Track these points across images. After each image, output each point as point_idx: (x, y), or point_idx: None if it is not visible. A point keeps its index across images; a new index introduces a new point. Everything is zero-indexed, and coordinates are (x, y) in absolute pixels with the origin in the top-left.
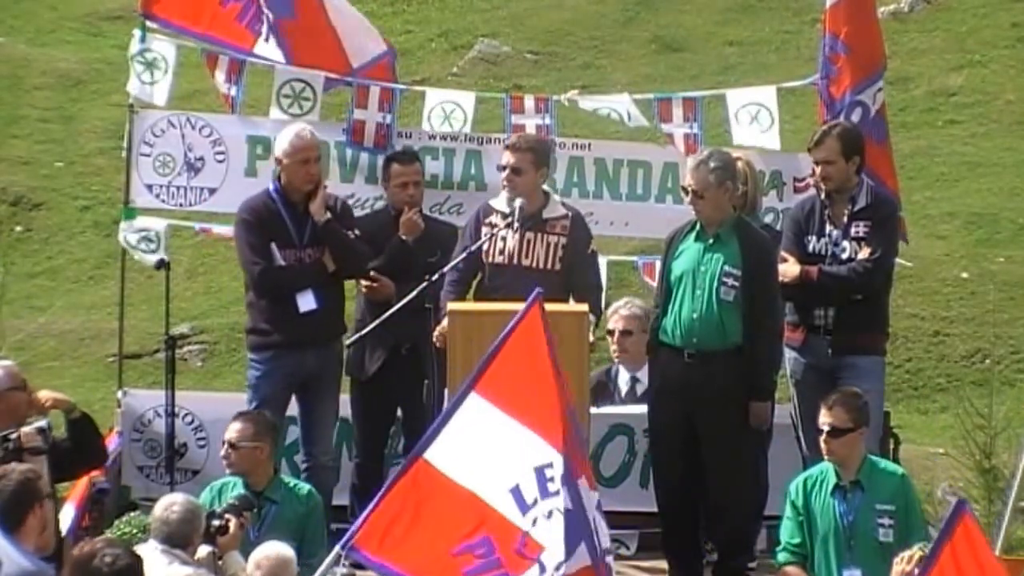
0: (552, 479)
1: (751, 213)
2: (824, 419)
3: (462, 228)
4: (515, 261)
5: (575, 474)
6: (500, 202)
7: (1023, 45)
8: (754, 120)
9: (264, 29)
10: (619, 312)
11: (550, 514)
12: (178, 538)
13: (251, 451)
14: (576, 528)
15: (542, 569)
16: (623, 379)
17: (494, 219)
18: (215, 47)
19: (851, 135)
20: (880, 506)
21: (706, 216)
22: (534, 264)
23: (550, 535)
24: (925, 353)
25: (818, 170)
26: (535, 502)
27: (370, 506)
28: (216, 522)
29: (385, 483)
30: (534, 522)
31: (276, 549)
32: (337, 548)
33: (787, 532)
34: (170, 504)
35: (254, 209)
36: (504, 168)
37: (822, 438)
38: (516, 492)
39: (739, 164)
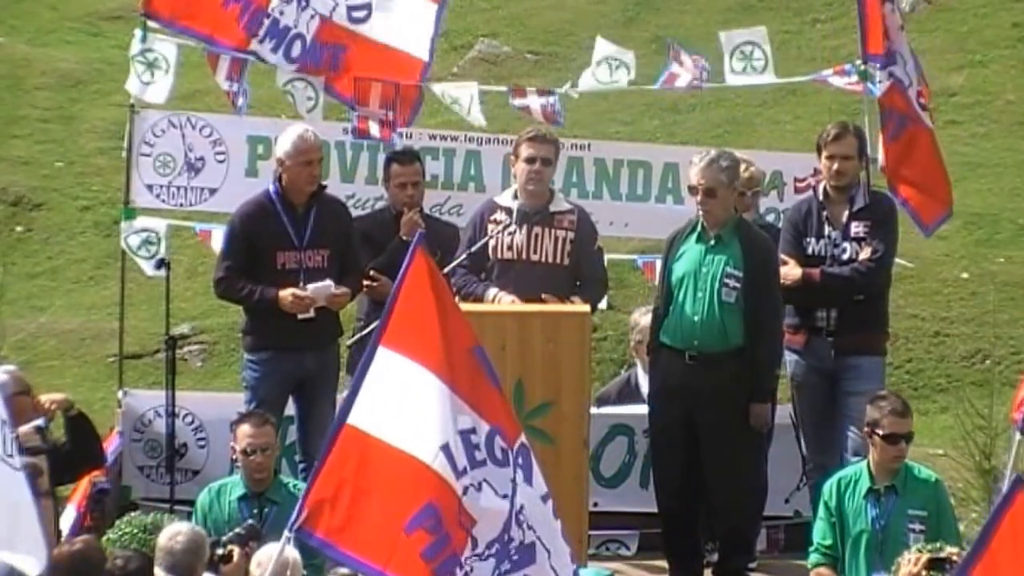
0: (478, 447)
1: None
2: (901, 428)
3: (465, 225)
4: (524, 256)
5: (512, 440)
6: (505, 198)
7: (1023, 45)
8: (748, 60)
9: (262, 32)
10: (640, 323)
11: (480, 485)
12: (182, 568)
13: (272, 453)
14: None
15: (474, 545)
16: (644, 383)
17: (499, 216)
18: (216, 49)
19: (863, 136)
20: (913, 511)
21: (714, 216)
22: (543, 259)
23: (478, 508)
24: (925, 354)
25: (835, 165)
26: (465, 470)
27: (307, 484)
28: (220, 551)
29: (317, 458)
30: (465, 490)
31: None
32: (286, 532)
33: (819, 533)
34: (175, 534)
35: (248, 215)
36: (533, 160)
37: (899, 445)
38: (447, 451)
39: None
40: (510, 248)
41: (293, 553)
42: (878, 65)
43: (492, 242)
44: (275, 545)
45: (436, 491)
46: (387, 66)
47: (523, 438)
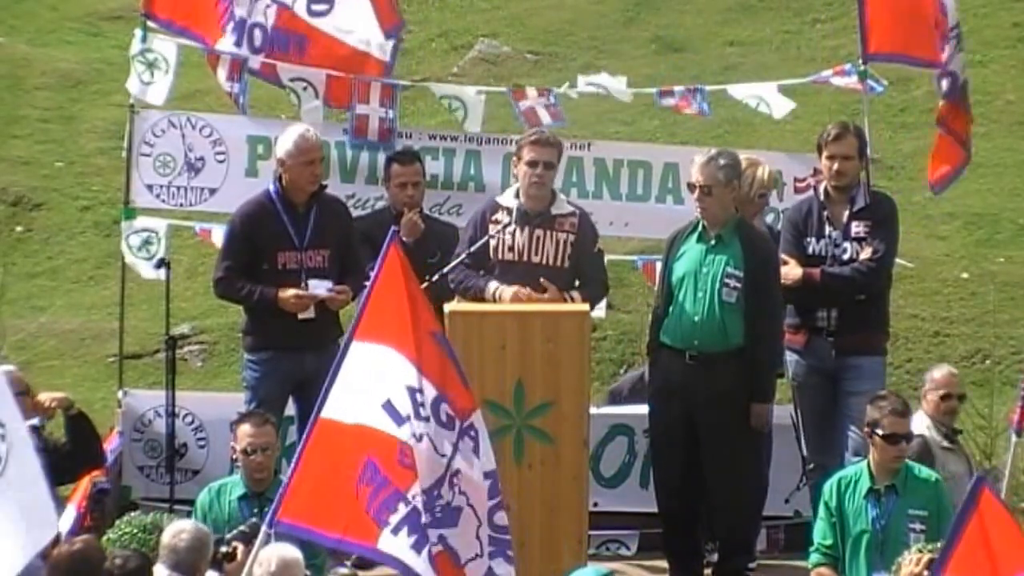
0: (423, 404)
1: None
2: (902, 428)
3: (466, 225)
4: (525, 258)
5: (461, 413)
6: (507, 198)
7: (1023, 45)
8: (756, 109)
9: (230, 28)
10: None
11: (420, 437)
12: (185, 566)
13: (273, 453)
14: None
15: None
16: None
17: (500, 216)
18: (209, 50)
19: (863, 136)
20: (913, 511)
21: (711, 214)
22: (544, 261)
23: (418, 457)
24: (925, 353)
25: (835, 165)
26: (408, 417)
27: (285, 479)
28: (224, 549)
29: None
30: (412, 435)
31: (281, 551)
32: (264, 528)
33: (819, 533)
34: (179, 531)
35: (248, 216)
36: (535, 164)
37: (899, 444)
38: (389, 407)
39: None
40: (511, 249)
41: (295, 552)
42: (936, 72)
43: (493, 242)
44: (279, 545)
45: (373, 444)
46: (346, 62)
47: (476, 418)
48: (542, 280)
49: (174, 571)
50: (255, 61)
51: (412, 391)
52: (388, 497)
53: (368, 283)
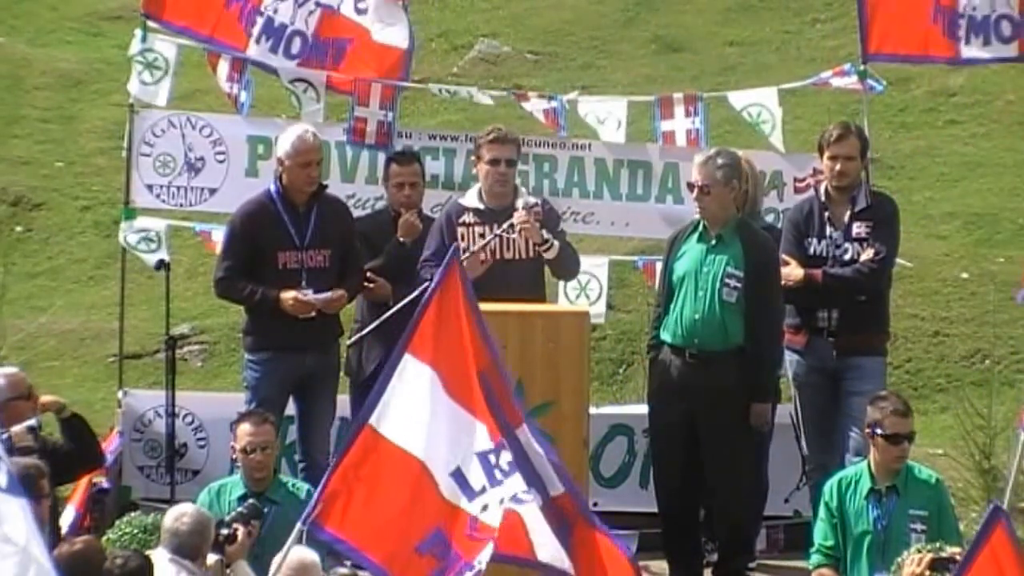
0: (498, 466)
1: (752, 213)
2: (903, 428)
3: (432, 229)
4: (498, 256)
5: (513, 424)
6: (471, 199)
7: None
8: (755, 121)
9: (257, 31)
10: None
11: (501, 501)
12: (187, 549)
13: (272, 452)
14: (525, 473)
15: (496, 547)
16: None
17: (467, 218)
18: (218, 49)
19: (864, 136)
20: (914, 511)
21: (711, 214)
22: (516, 256)
23: (499, 518)
24: (925, 353)
25: (837, 166)
26: (483, 489)
27: (324, 479)
28: (224, 531)
29: (335, 453)
30: (484, 508)
31: (298, 554)
32: (299, 525)
33: (820, 534)
34: (180, 515)
35: (249, 215)
36: (497, 162)
37: (901, 444)
38: (458, 476)
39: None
40: (482, 250)
41: (312, 555)
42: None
43: (463, 243)
44: (296, 548)
45: (444, 517)
46: (379, 60)
47: (521, 432)
48: (517, 211)
49: (176, 554)
50: (290, 68)
51: (483, 456)
52: (458, 571)
53: (426, 295)
